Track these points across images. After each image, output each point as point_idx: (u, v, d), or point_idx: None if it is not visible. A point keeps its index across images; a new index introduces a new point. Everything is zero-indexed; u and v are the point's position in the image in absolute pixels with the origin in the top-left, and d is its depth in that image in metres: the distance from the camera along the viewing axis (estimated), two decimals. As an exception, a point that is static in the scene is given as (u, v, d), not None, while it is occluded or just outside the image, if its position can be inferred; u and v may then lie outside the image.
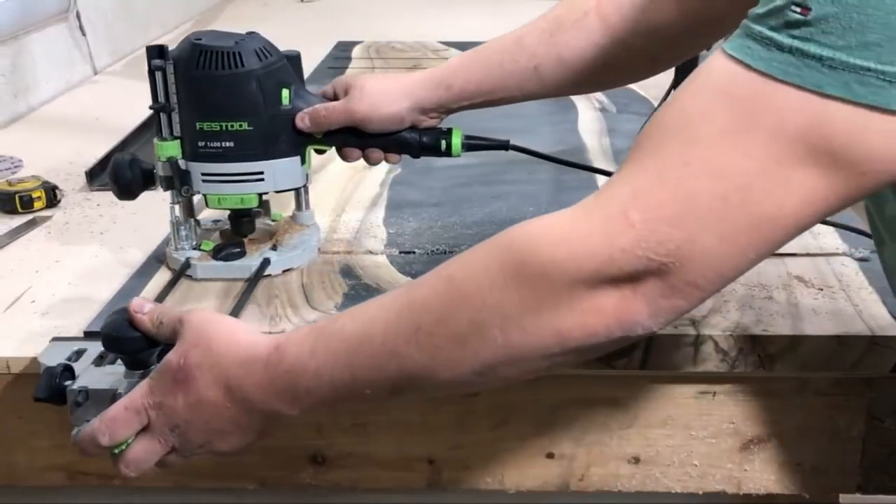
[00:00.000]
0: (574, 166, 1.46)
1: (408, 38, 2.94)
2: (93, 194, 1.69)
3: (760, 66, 0.77)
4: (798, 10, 0.75)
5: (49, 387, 1.04)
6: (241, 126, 1.29)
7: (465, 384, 0.91)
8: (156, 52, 1.29)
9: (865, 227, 1.23)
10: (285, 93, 1.31)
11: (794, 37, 0.76)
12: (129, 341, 1.02)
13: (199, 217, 1.43)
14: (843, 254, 1.39)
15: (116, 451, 0.99)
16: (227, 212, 1.39)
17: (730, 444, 1.28)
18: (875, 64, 0.73)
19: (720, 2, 1.14)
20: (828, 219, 1.42)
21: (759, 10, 0.79)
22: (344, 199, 1.65)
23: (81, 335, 1.20)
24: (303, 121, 1.31)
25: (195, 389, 0.96)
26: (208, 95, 1.29)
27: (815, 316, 1.23)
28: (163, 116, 1.31)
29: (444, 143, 1.34)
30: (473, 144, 1.36)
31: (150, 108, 1.31)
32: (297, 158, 1.34)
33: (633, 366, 1.19)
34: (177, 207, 1.36)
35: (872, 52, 0.73)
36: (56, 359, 1.09)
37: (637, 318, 0.83)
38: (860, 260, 1.37)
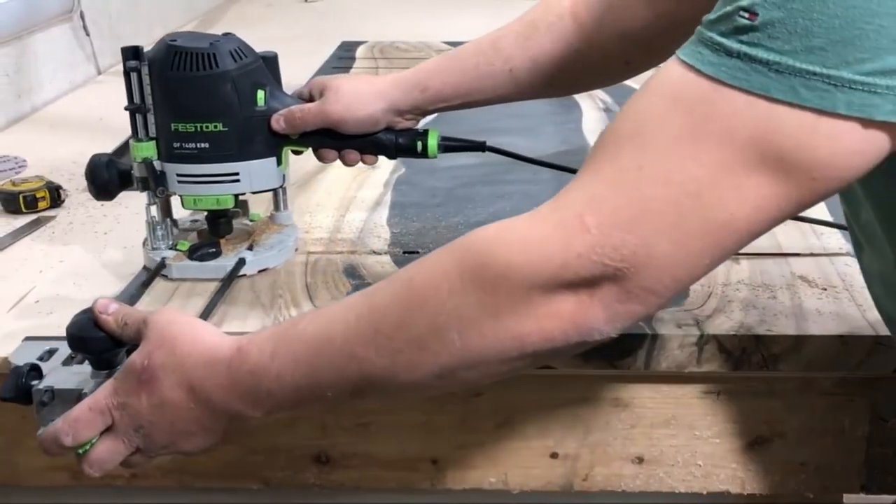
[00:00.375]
0: (551, 167, 1.44)
1: (412, 38, 2.94)
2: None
3: (710, 71, 0.78)
4: (746, 15, 0.76)
5: (15, 386, 1.03)
6: (215, 127, 1.29)
7: (426, 387, 0.91)
8: (131, 53, 1.29)
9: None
10: (260, 94, 1.30)
11: (742, 42, 0.76)
12: (94, 341, 1.02)
13: (178, 217, 1.43)
14: (847, 254, 1.39)
15: (80, 451, 0.99)
16: (205, 212, 1.39)
17: (734, 444, 1.28)
18: (820, 68, 0.74)
19: (691, 5, 1.14)
20: (831, 219, 1.43)
21: (711, 16, 0.80)
22: (348, 199, 1.65)
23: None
24: (278, 122, 1.31)
25: (159, 390, 0.96)
26: (183, 96, 1.29)
27: (818, 316, 1.23)
28: (138, 117, 1.31)
29: (419, 144, 1.34)
30: (450, 146, 1.36)
31: (126, 108, 1.31)
32: (273, 159, 1.34)
33: (637, 366, 1.19)
34: (153, 208, 1.36)
35: (817, 56, 0.74)
36: (26, 358, 1.08)
37: (594, 324, 0.83)
38: (864, 260, 1.37)
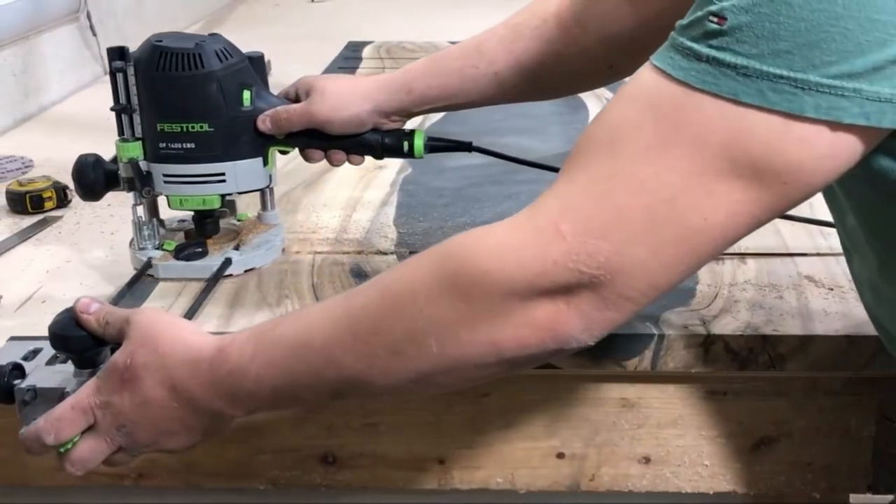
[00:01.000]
0: (538, 167, 1.43)
1: (418, 38, 2.94)
2: (103, 194, 1.69)
3: (680, 76, 0.78)
4: (715, 20, 0.77)
5: None
6: (201, 127, 1.29)
7: (403, 391, 0.93)
8: (117, 54, 1.29)
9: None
10: (246, 94, 1.30)
11: (711, 46, 0.77)
12: (75, 340, 1.02)
13: (165, 217, 1.43)
14: (854, 254, 1.39)
15: (62, 450, 0.99)
16: (192, 212, 1.40)
17: (740, 444, 1.28)
18: (787, 71, 0.74)
19: (674, 9, 1.15)
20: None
21: (683, 21, 0.80)
22: (354, 199, 1.65)
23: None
24: (264, 123, 1.31)
25: (141, 389, 0.96)
26: (168, 97, 1.29)
27: (825, 316, 1.22)
28: (124, 118, 1.32)
29: (406, 144, 1.33)
30: (436, 146, 1.36)
31: (112, 109, 1.31)
32: (259, 160, 1.34)
33: (644, 366, 1.19)
34: (139, 208, 1.37)
35: (784, 60, 0.74)
36: (9, 357, 1.08)
37: (571, 332, 0.84)
38: (871, 260, 1.37)
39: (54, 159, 1.86)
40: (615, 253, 0.80)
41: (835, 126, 0.76)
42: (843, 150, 0.77)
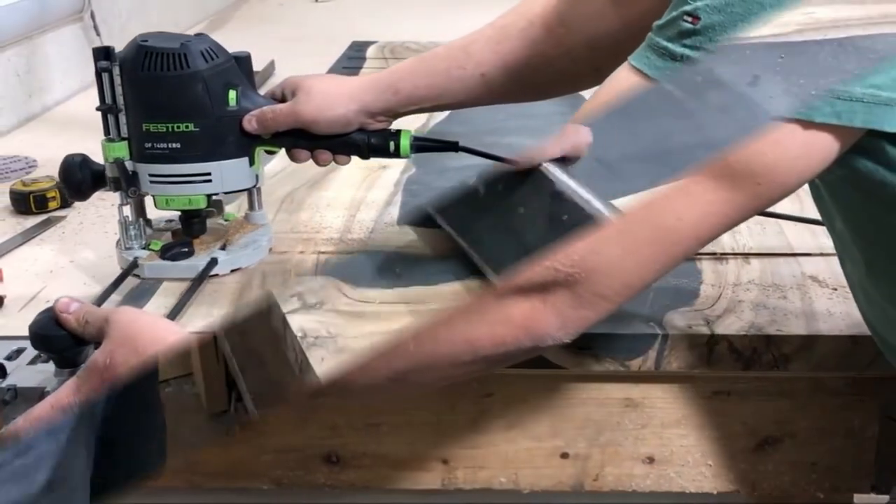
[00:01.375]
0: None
1: (423, 38, 2.94)
2: (107, 194, 1.68)
3: (656, 75, 0.79)
4: (689, 19, 0.77)
5: None
6: (187, 127, 1.29)
7: (381, 389, 0.94)
8: (102, 54, 1.29)
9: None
10: (232, 94, 1.30)
11: (685, 45, 0.77)
12: (55, 340, 1.02)
13: (153, 217, 1.43)
14: (858, 253, 1.39)
15: None
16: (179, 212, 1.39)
17: (744, 444, 1.28)
18: None
19: (658, 12, 1.15)
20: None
21: (660, 21, 0.81)
22: (358, 199, 1.65)
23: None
24: (250, 123, 1.30)
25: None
26: (154, 96, 1.29)
27: (829, 316, 1.22)
28: (110, 118, 1.31)
29: (392, 144, 1.33)
30: (422, 146, 1.35)
31: (98, 109, 1.31)
32: (245, 160, 1.34)
33: (648, 366, 1.19)
34: (126, 208, 1.37)
35: None
36: None
37: (546, 329, 0.84)
38: (875, 260, 1.36)
39: (58, 159, 1.85)
40: (591, 252, 0.80)
41: (807, 125, 0.76)
42: (817, 150, 0.78)
